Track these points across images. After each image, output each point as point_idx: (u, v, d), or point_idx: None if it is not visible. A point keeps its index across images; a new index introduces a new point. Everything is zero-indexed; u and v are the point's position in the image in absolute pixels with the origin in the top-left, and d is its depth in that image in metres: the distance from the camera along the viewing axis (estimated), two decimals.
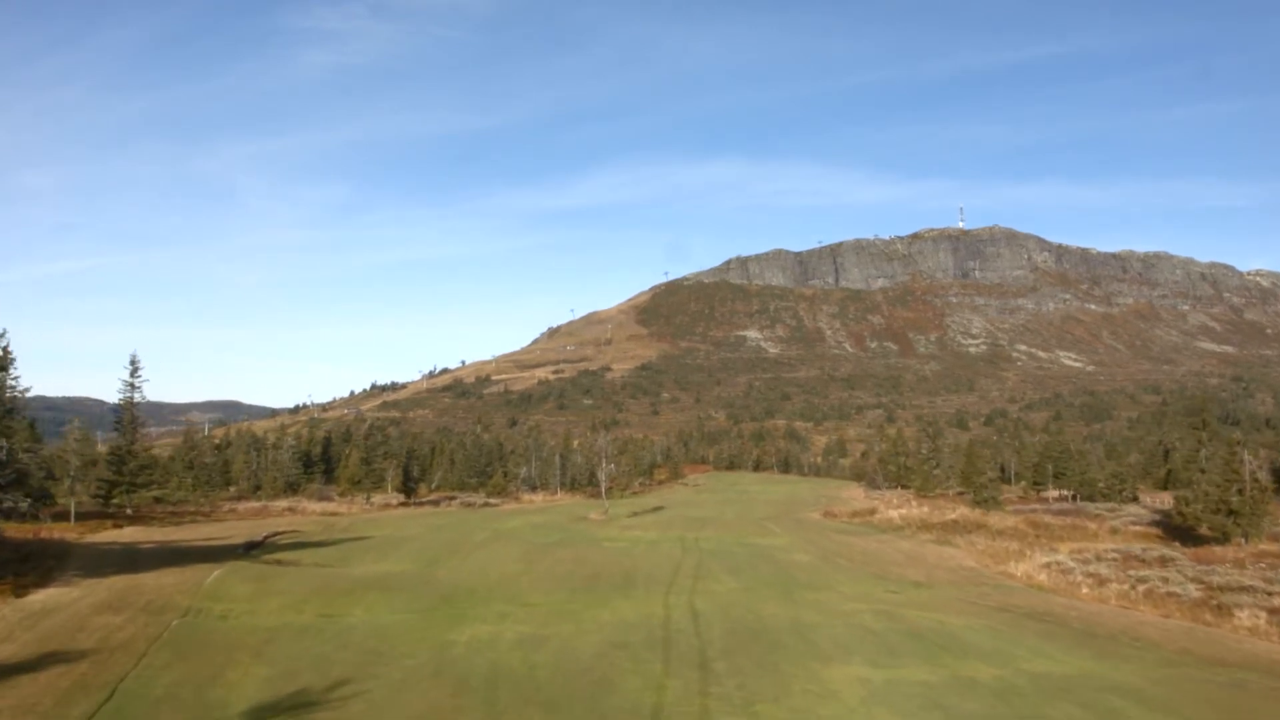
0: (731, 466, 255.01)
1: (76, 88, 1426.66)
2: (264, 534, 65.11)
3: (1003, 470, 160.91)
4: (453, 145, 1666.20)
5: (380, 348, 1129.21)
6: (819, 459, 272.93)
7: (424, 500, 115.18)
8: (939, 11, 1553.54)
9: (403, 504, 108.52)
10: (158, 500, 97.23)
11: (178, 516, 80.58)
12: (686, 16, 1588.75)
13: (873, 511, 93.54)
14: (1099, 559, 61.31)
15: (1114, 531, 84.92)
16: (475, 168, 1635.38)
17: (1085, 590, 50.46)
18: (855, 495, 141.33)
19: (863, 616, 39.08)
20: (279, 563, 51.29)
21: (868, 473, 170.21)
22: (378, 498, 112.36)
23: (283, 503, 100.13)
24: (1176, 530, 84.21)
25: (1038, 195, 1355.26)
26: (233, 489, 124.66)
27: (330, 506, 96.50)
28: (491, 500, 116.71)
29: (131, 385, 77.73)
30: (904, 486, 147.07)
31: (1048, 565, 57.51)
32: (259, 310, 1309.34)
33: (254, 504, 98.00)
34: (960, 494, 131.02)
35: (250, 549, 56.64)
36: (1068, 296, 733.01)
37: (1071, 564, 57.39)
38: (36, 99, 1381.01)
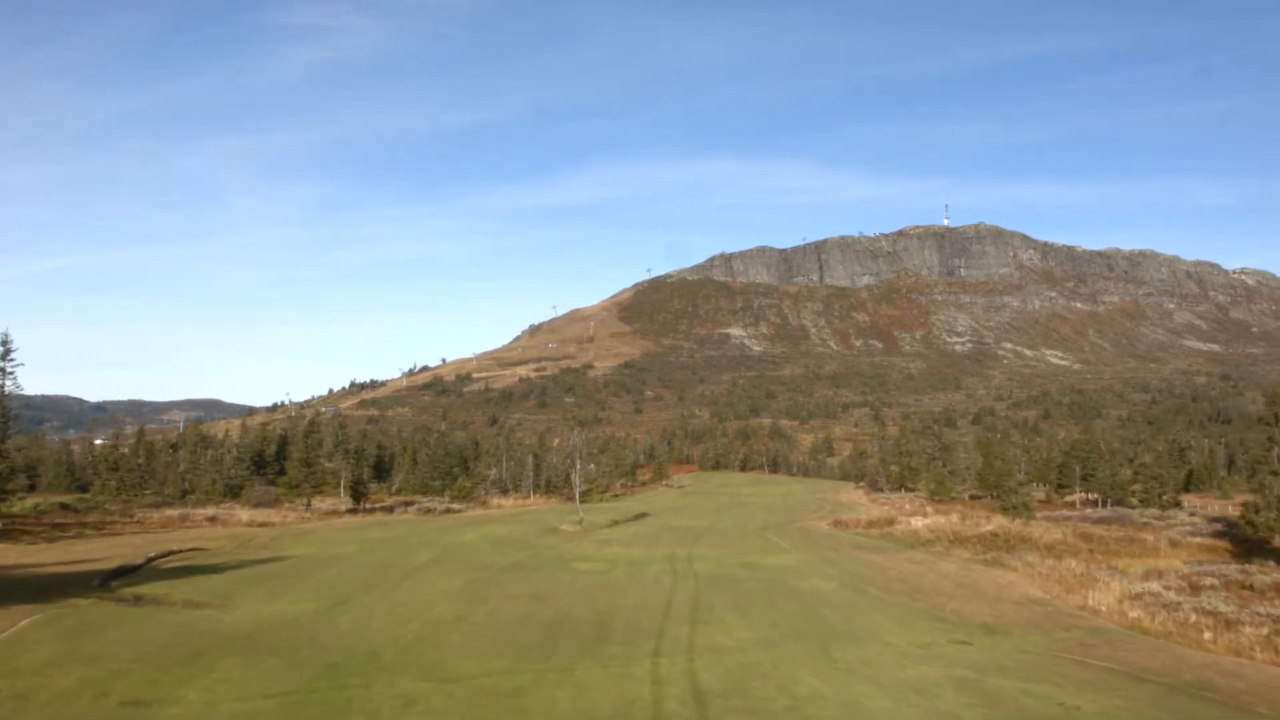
0: (718, 466, 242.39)
1: (59, 84, 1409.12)
2: (151, 555, 51.79)
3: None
4: (440, 142, 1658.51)
5: (363, 346, 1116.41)
6: (806, 458, 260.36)
7: (377, 506, 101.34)
8: (927, 9, 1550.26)
9: (351, 511, 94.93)
10: (65, 506, 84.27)
11: (63, 529, 66.79)
12: (677, 14, 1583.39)
13: (891, 521, 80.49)
14: (1194, 586, 48.64)
15: (1174, 545, 72.29)
16: (462, 165, 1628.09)
17: (1208, 634, 37.84)
18: (858, 499, 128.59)
19: (944, 696, 26.35)
20: (137, 600, 38.04)
21: (868, 473, 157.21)
22: (324, 503, 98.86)
23: (209, 510, 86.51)
24: (1247, 543, 71.82)
25: (1024, 193, 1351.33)
26: (168, 492, 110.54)
27: (262, 515, 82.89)
28: (454, 506, 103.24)
29: (2, 371, 63.70)
30: (909, 489, 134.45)
31: (1138, 596, 44.73)
32: (242, 308, 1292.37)
33: (174, 512, 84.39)
34: (975, 498, 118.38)
35: (113, 579, 43.38)
36: (1053, 294, 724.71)
37: (1173, 595, 44.61)
38: (18, 95, 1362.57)
